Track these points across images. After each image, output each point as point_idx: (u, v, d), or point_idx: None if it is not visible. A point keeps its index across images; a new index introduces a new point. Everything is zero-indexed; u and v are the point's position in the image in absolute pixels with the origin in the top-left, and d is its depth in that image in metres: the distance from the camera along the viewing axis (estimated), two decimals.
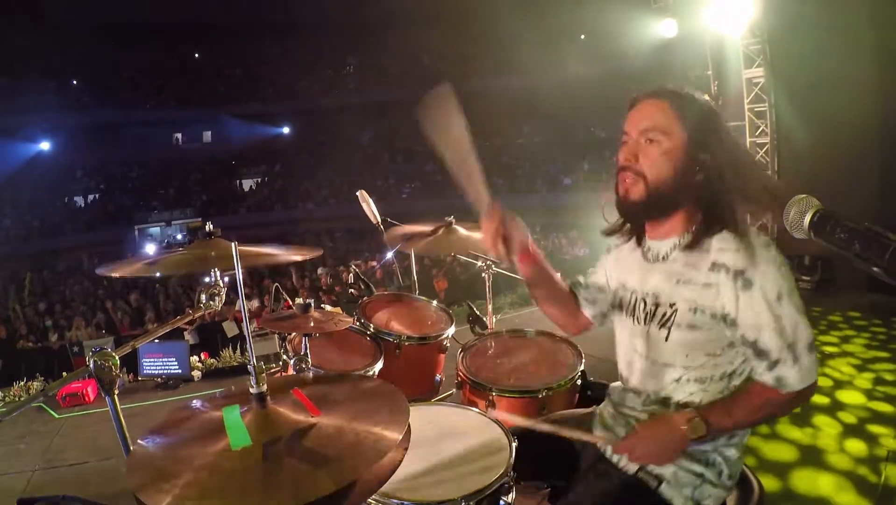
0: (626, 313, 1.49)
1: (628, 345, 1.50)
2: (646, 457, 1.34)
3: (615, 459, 1.44)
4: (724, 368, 1.34)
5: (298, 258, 2.01)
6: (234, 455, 1.01)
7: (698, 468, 1.35)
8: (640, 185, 1.33)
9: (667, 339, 1.36)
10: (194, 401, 1.24)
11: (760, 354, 1.27)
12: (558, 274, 1.66)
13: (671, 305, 1.35)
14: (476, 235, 2.71)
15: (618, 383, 1.58)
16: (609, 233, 1.54)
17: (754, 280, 1.25)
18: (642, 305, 1.43)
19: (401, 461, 1.07)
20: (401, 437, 1.03)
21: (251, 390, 1.11)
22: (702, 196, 1.33)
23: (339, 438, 1.03)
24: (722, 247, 1.29)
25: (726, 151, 1.32)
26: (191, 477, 0.97)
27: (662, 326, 1.37)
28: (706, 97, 1.38)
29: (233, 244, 1.27)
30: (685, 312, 1.33)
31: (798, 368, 1.25)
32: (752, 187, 1.32)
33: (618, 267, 1.55)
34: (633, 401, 1.47)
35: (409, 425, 1.09)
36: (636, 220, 1.44)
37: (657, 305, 1.39)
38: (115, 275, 1.79)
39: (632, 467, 1.39)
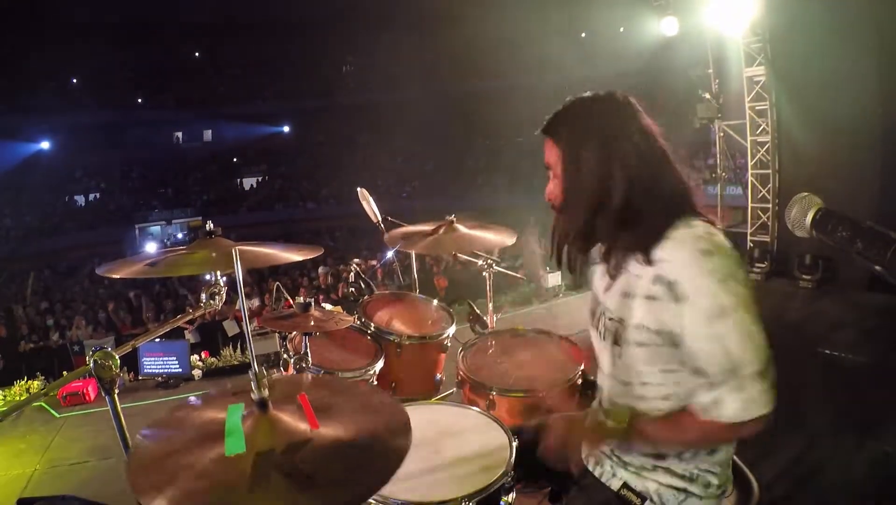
0: (593, 325, 1.45)
1: (598, 358, 1.46)
2: (553, 445, 1.41)
3: (597, 472, 1.41)
4: (687, 385, 1.23)
5: (299, 258, 1.99)
6: (227, 462, 1.00)
7: (680, 483, 1.30)
8: (562, 221, 1.37)
9: (620, 356, 1.31)
10: (191, 397, 1.23)
11: (698, 374, 1.18)
12: None
13: (621, 321, 1.29)
14: (477, 234, 2.70)
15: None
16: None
17: (688, 295, 1.15)
18: (603, 320, 1.38)
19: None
20: (390, 474, 1.01)
21: (252, 396, 1.10)
22: (617, 207, 1.25)
23: (330, 460, 1.02)
24: (662, 257, 1.20)
25: (612, 158, 1.24)
26: (190, 483, 0.97)
27: (615, 343, 1.31)
28: (586, 104, 1.33)
29: (234, 251, 1.26)
30: (632, 329, 1.26)
31: (740, 398, 1.12)
32: (660, 189, 1.24)
33: (595, 279, 1.49)
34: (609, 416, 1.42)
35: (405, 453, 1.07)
36: (580, 251, 1.40)
37: (611, 320, 1.33)
38: (116, 276, 1.78)
39: (615, 483, 1.36)
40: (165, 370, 4.96)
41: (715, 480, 1.31)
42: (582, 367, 2.21)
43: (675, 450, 1.29)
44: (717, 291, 1.12)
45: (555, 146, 1.33)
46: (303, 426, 1.08)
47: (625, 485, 1.34)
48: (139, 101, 24.00)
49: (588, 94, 1.35)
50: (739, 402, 1.13)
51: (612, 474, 1.37)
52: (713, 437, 1.22)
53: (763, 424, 1.15)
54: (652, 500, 1.32)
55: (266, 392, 1.09)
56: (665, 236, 1.20)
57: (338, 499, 0.94)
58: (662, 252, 1.20)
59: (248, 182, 24.69)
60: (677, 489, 1.30)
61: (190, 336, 7.13)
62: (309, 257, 2.00)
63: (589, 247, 1.37)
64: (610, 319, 1.33)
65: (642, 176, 1.24)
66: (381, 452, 1.05)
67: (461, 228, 2.69)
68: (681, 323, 1.16)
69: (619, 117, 1.28)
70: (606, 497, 1.36)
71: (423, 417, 1.72)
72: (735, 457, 1.53)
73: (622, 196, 1.23)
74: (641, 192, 1.23)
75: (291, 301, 2.42)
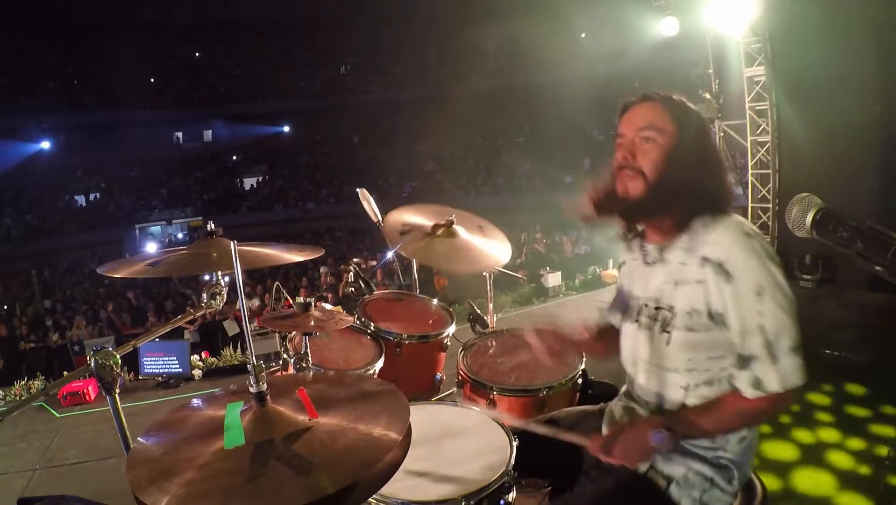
0: (630, 319, 1.49)
1: (632, 350, 1.50)
2: (618, 457, 1.33)
3: None
4: (731, 370, 1.30)
5: (299, 258, 1.99)
6: (227, 454, 1.00)
7: (709, 472, 1.33)
8: (640, 183, 1.34)
9: (668, 343, 1.35)
10: (194, 400, 1.24)
11: (740, 351, 1.25)
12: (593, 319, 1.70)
13: (670, 308, 1.34)
14: (477, 242, 2.69)
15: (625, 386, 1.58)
16: (618, 237, 1.54)
17: (734, 272, 1.23)
18: (645, 310, 1.43)
19: (397, 465, 1.05)
20: (392, 454, 1.01)
21: (250, 389, 1.10)
22: (692, 193, 1.33)
23: (329, 445, 1.03)
24: (707, 239, 1.29)
25: (709, 153, 1.37)
26: (190, 476, 0.97)
27: (663, 330, 1.36)
28: (692, 105, 1.42)
29: (232, 244, 1.27)
30: (682, 315, 1.32)
31: (777, 370, 1.20)
32: (717, 186, 1.36)
33: (627, 278, 1.56)
34: (642, 406, 1.47)
35: (406, 433, 1.07)
36: (636, 217, 1.44)
37: (658, 309, 1.38)
38: (117, 276, 1.77)
39: (642, 466, 1.38)
40: (166, 370, 4.96)
41: (737, 475, 1.34)
42: (583, 366, 2.21)
43: (717, 435, 1.32)
44: (759, 269, 1.22)
45: (665, 112, 1.35)
46: (301, 417, 1.09)
47: (652, 467, 1.37)
48: (139, 101, 24.00)
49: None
50: (777, 374, 1.20)
51: None
52: (751, 415, 1.27)
53: (795, 397, 1.23)
54: (678, 483, 1.34)
55: (264, 386, 1.10)
56: (715, 222, 1.30)
57: (339, 478, 0.94)
58: (710, 235, 1.29)
59: (249, 182, 24.68)
60: (704, 477, 1.33)
61: (190, 336, 7.13)
62: (309, 258, 2.00)
63: (656, 211, 1.39)
64: (656, 309, 1.39)
65: (714, 171, 1.36)
66: (381, 433, 1.05)
67: (460, 233, 2.66)
68: (726, 300, 1.24)
69: (704, 117, 1.42)
70: (633, 477, 1.38)
71: (423, 417, 1.72)
72: None
73: (699, 182, 1.33)
74: (710, 182, 1.34)
75: (291, 301, 2.42)
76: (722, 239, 1.27)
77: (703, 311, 1.28)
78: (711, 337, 1.29)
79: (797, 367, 1.21)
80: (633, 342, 1.48)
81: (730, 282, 1.23)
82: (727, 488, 1.34)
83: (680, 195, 1.33)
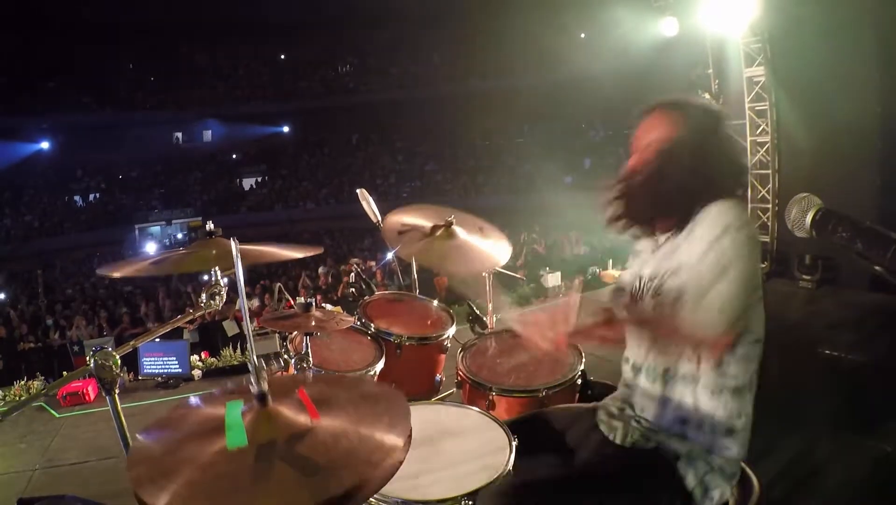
0: (636, 299, 1.57)
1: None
2: (531, 328, 1.49)
3: (627, 442, 1.49)
4: None
5: (298, 255, 1.99)
6: (230, 455, 1.00)
7: (709, 446, 1.40)
8: (643, 188, 1.47)
9: (660, 306, 1.44)
10: (191, 398, 1.23)
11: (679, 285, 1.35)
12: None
13: (663, 275, 1.46)
14: (476, 242, 2.69)
15: (622, 381, 1.63)
16: (636, 236, 1.63)
17: (695, 230, 1.37)
18: (647, 285, 1.52)
19: (397, 466, 1.05)
20: (395, 456, 1.01)
21: (251, 389, 1.10)
22: (693, 189, 1.42)
23: (333, 446, 1.02)
24: (697, 219, 1.40)
25: (708, 147, 1.44)
26: (193, 477, 0.96)
27: (656, 294, 1.46)
28: (703, 101, 1.53)
29: (232, 241, 1.27)
30: (670, 275, 1.43)
31: (700, 314, 1.28)
32: (718, 177, 1.43)
33: (638, 263, 1.64)
34: (642, 381, 1.52)
35: (408, 436, 1.07)
36: (645, 221, 1.52)
37: (653, 279, 1.49)
38: (116, 275, 1.77)
39: (650, 445, 1.45)
40: (165, 370, 4.96)
41: (728, 468, 1.41)
42: (582, 366, 2.21)
43: (657, 339, 1.44)
44: (726, 214, 1.32)
45: (669, 121, 1.46)
46: (303, 418, 1.09)
47: (659, 445, 1.45)
48: (139, 101, 24.00)
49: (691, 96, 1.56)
50: (700, 318, 1.28)
51: (647, 439, 1.46)
52: (668, 332, 1.38)
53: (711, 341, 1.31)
54: (684, 458, 1.41)
55: (265, 385, 1.09)
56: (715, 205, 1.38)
57: (345, 480, 0.94)
58: (701, 215, 1.40)
59: (248, 182, 24.67)
60: (707, 452, 1.40)
61: (189, 336, 7.13)
62: (308, 255, 2.00)
63: (646, 221, 1.51)
64: (652, 280, 1.49)
65: (714, 162, 1.43)
66: (384, 434, 1.05)
67: (459, 234, 2.67)
68: (685, 250, 1.38)
69: (714, 120, 1.48)
70: (642, 455, 1.45)
71: (423, 417, 1.72)
72: None
73: (700, 177, 1.41)
74: (712, 173, 1.42)
75: (292, 301, 2.42)
76: (707, 215, 1.37)
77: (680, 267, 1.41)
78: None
79: (714, 321, 1.27)
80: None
81: (691, 235, 1.37)
82: (723, 476, 1.41)
83: (684, 193, 1.42)
